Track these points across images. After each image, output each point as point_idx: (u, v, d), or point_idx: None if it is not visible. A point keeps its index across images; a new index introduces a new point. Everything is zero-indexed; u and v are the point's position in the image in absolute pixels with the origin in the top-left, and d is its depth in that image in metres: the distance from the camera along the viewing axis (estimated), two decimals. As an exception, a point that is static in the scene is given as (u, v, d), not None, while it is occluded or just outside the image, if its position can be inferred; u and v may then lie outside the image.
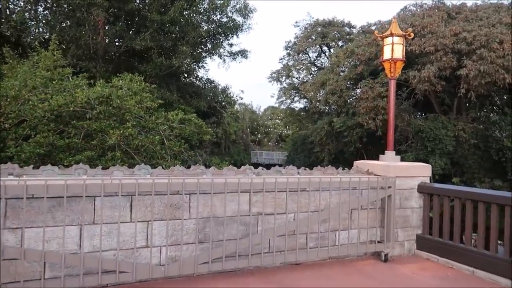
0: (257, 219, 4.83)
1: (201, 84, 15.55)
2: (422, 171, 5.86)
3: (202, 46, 14.00)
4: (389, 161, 5.91)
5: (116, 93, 7.05)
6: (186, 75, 14.88)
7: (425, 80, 22.01)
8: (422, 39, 22.74)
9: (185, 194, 4.40)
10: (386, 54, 6.12)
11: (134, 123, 7.37)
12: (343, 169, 5.76)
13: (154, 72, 12.58)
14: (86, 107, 7.16)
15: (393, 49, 6.00)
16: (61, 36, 12.73)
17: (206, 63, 15.75)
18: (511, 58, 19.97)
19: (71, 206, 3.89)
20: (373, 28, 31.28)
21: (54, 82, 7.86)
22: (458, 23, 22.72)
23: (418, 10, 27.63)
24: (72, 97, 7.04)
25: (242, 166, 5.01)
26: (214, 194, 4.50)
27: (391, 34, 6.01)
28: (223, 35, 15.29)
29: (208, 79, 15.94)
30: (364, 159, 31.51)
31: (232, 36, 15.80)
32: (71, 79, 7.67)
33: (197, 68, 15.26)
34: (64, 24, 12.88)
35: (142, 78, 8.63)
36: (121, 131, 6.88)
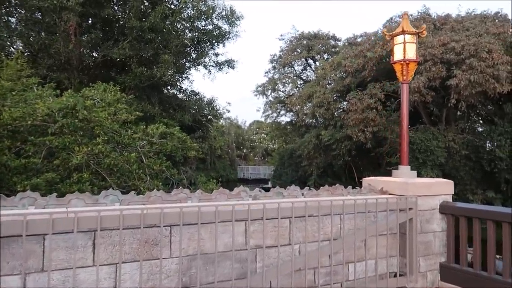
0: (255, 254, 3.91)
1: (185, 97, 14.57)
2: (444, 189, 5.04)
3: (186, 55, 13.07)
4: (405, 177, 5.09)
5: (83, 103, 6.06)
6: (169, 87, 13.92)
7: (415, 91, 21.59)
8: (410, 49, 22.37)
9: (165, 226, 3.47)
10: (397, 55, 5.36)
11: (106, 138, 6.37)
12: (353, 187, 4.91)
13: (133, 83, 11.52)
14: (48, 120, 6.14)
15: (405, 49, 5.24)
16: (30, 44, 11.73)
17: (190, 73, 14.91)
18: (501, 68, 19.71)
19: (10, 248, 2.91)
20: (359, 39, 31.04)
21: (14, 93, 6.80)
22: (446, 33, 22.56)
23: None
24: (32, 109, 6.03)
25: (236, 188, 4.11)
26: (202, 225, 3.59)
27: (403, 32, 5.26)
28: (208, 43, 14.40)
29: (193, 91, 14.98)
30: (354, 173, 30.94)
31: (218, 45, 14.95)
32: (36, 90, 6.71)
33: (180, 79, 14.32)
34: (33, 32, 11.81)
35: (119, 89, 7.68)
36: (89, 148, 5.88)
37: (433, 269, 4.91)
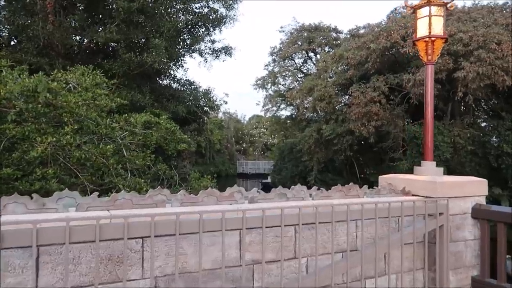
0: (252, 271, 3.13)
1: (179, 86, 13.67)
2: (477, 189, 4.26)
3: (180, 41, 12.13)
4: (430, 174, 4.29)
5: (46, 85, 5.18)
6: (162, 76, 13.02)
7: (421, 84, 20.73)
8: (416, 40, 21.53)
9: (135, 239, 2.67)
10: (421, 30, 4.54)
11: (77, 127, 5.51)
12: (370, 187, 4.11)
13: (121, 70, 10.58)
14: (7, 105, 5.30)
15: (431, 23, 4.42)
16: (5, 25, 10.81)
17: (184, 61, 14.00)
18: (510, 60, 18.89)
19: None
20: (362, 31, 30.16)
21: (-27, 77, 5.96)
22: (452, 23, 21.65)
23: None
24: (-12, 93, 5.21)
25: (228, 189, 3.31)
26: (183, 236, 2.80)
27: (428, 2, 4.43)
28: (203, 28, 13.45)
29: (188, 80, 14.00)
30: (355, 168, 30.19)
31: (214, 30, 13.96)
32: (4, 73, 5.87)
33: (174, 67, 13.39)
34: (8, 11, 10.85)
35: (100, 72, 6.81)
36: (54, 139, 5.04)
37: (465, 285, 4.13)
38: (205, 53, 13.83)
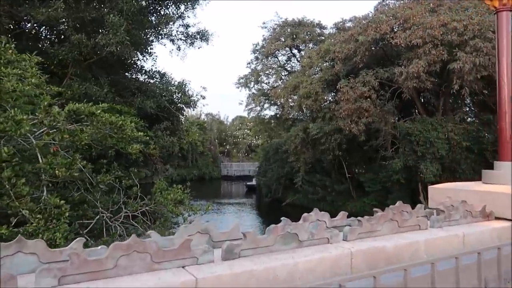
0: None
1: (147, 78, 11.83)
2: None
3: (144, 22, 10.17)
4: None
5: None
6: (126, 66, 11.15)
7: (414, 77, 19.47)
8: (407, 31, 20.29)
9: None
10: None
11: None
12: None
13: (71, 56, 8.62)
14: None
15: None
16: None
17: (153, 48, 12.19)
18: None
19: None
20: (348, 24, 28.92)
21: None
22: (445, 12, 20.48)
23: (397, 3, 25.43)
24: None
25: (181, 228, 1.64)
26: None
27: None
28: (174, 6, 11.58)
29: (158, 71, 12.12)
30: (344, 168, 28.88)
31: (187, 10, 12.01)
32: None
33: (140, 55, 11.51)
34: None
35: (44, 59, 5.08)
36: None
37: None
38: (178, 39, 12.03)
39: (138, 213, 5.81)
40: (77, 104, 4.10)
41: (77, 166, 3.94)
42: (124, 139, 4.58)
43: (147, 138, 5.21)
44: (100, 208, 5.42)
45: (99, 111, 4.23)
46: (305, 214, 2.05)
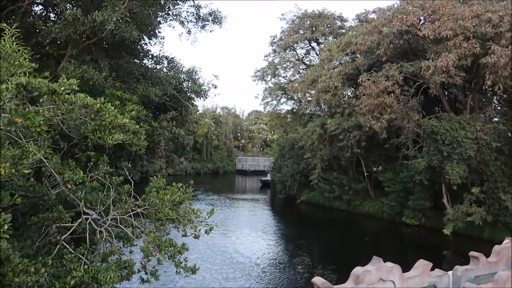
0: None
1: (153, 64, 10.92)
2: None
3: (150, 2, 9.23)
4: None
5: None
6: (131, 49, 10.24)
7: (442, 71, 18.17)
8: (436, 22, 18.96)
9: None
10: None
11: None
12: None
13: (64, 35, 7.82)
14: None
15: None
16: None
17: (160, 31, 11.25)
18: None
19: None
20: (372, 16, 27.60)
21: None
22: (478, 3, 19.03)
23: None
24: None
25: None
26: None
27: None
28: None
29: (166, 56, 11.20)
30: (362, 166, 27.57)
31: None
32: None
33: (145, 38, 10.57)
34: None
35: (35, 38, 4.21)
36: None
37: None
38: (188, 21, 11.08)
39: (130, 216, 4.95)
40: (28, 77, 3.24)
41: (30, 160, 3.07)
42: (103, 127, 3.73)
43: (137, 127, 4.33)
44: (84, 209, 4.59)
45: (62, 89, 3.34)
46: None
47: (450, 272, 3.39)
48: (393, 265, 2.28)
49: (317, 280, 2.43)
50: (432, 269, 3.15)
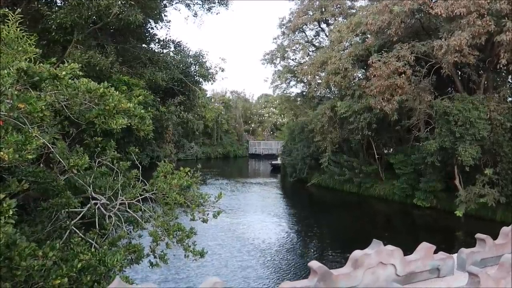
0: None
1: (160, 48, 10.87)
2: None
3: None
4: None
5: None
6: (137, 34, 10.18)
7: (455, 50, 17.72)
8: (449, 0, 18.39)
9: None
10: None
11: None
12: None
13: (68, 20, 7.78)
14: None
15: None
16: None
17: (165, 15, 11.14)
18: None
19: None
20: (382, -6, 26.82)
21: None
22: (493, -22, 18.35)
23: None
24: None
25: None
26: None
27: None
28: None
29: (173, 40, 11.12)
30: (373, 149, 27.32)
31: None
32: None
33: (151, 22, 10.51)
34: None
35: (41, 24, 4.16)
36: None
37: None
38: (194, 4, 10.94)
39: (139, 200, 4.98)
40: (28, 63, 3.23)
41: (33, 146, 3.06)
42: (107, 112, 3.71)
43: (142, 111, 4.31)
44: (93, 194, 4.62)
45: (64, 73, 3.31)
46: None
47: (455, 255, 3.34)
48: (394, 248, 2.24)
49: (314, 264, 2.42)
50: (435, 252, 3.12)
